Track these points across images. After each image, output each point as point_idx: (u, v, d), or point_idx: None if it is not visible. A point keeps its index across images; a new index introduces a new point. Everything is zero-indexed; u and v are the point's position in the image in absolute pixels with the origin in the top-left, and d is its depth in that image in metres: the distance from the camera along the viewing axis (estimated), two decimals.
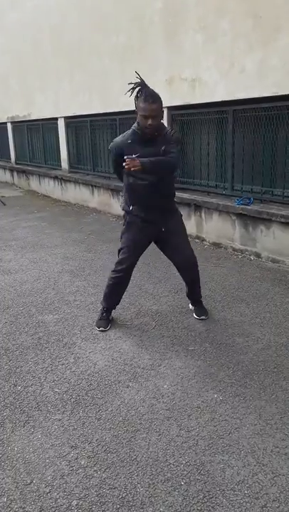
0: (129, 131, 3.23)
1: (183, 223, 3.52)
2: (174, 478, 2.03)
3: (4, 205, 9.11)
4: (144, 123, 3.06)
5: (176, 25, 5.69)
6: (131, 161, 2.97)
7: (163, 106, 3.11)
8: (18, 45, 10.35)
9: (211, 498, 1.93)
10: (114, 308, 3.67)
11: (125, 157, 3.00)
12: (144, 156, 3.08)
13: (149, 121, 3.03)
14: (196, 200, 5.71)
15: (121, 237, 3.48)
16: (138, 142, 3.14)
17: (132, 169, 2.99)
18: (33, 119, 10.43)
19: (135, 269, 4.85)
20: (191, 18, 5.44)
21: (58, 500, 1.94)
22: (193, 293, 3.71)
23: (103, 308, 3.61)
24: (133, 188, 3.29)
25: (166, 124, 6.01)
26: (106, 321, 3.56)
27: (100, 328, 3.49)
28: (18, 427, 2.41)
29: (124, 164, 3.01)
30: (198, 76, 5.49)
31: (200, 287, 3.70)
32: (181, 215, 3.53)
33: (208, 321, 3.58)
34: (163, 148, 3.11)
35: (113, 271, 3.51)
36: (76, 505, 1.91)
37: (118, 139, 3.29)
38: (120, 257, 3.45)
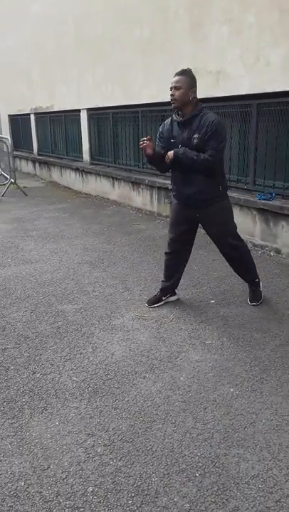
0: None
1: (223, 214, 3.45)
2: (188, 470, 2.05)
3: (26, 195, 9.21)
4: (170, 96, 3.18)
5: (201, 18, 5.63)
6: (147, 146, 3.20)
7: (193, 88, 3.14)
8: (41, 37, 10.39)
9: (226, 490, 1.94)
10: (169, 290, 3.79)
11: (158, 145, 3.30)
12: (178, 140, 3.21)
13: (172, 91, 3.14)
14: None
15: None
16: (176, 126, 3.25)
17: (166, 160, 3.15)
18: (55, 110, 10.49)
19: (154, 261, 4.87)
20: (216, 11, 5.38)
21: (74, 486, 1.98)
22: (241, 275, 3.78)
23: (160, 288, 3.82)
24: (173, 171, 3.42)
25: None
26: (155, 298, 3.78)
27: (146, 304, 3.76)
28: (37, 414, 2.45)
29: (140, 145, 3.23)
30: (223, 69, 5.44)
31: (250, 271, 3.71)
32: (226, 205, 3.47)
33: (226, 315, 3.57)
34: (196, 135, 3.13)
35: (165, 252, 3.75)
36: (92, 491, 1.95)
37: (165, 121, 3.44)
38: (168, 237, 3.68)
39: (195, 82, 3.19)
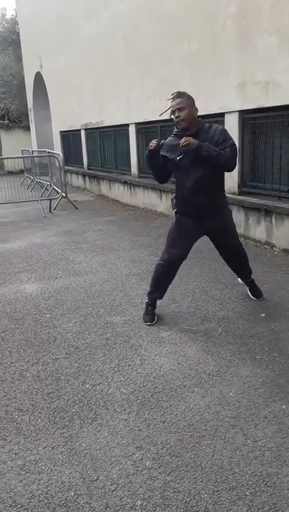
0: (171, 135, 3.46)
1: (231, 220, 3.65)
2: (238, 488, 2.00)
3: (76, 208, 9.45)
4: (175, 119, 3.29)
5: (249, 29, 5.61)
6: (188, 138, 3.15)
7: (194, 106, 3.28)
8: (91, 54, 10.71)
9: (277, 511, 1.87)
10: (157, 300, 3.82)
11: (183, 139, 3.17)
12: (189, 156, 3.27)
13: (177, 114, 3.24)
14: (266, 205, 5.58)
15: (169, 233, 3.66)
16: (179, 142, 3.30)
17: (187, 145, 3.14)
18: (105, 125, 10.73)
19: (202, 274, 4.84)
20: (265, 21, 5.34)
21: (123, 499, 1.98)
22: (243, 275, 3.99)
23: (147, 302, 3.78)
24: (180, 186, 3.46)
25: (236, 128, 5.97)
26: (151, 315, 3.73)
27: (147, 323, 3.68)
28: (86, 424, 2.48)
29: (181, 141, 3.18)
30: (272, 79, 5.38)
31: (249, 269, 3.94)
32: (231, 212, 3.69)
33: (277, 329, 3.48)
34: (206, 143, 3.23)
35: (159, 261, 3.68)
36: (140, 505, 1.94)
37: (166, 140, 3.48)
38: (167, 247, 3.62)
39: (193, 100, 3.34)
